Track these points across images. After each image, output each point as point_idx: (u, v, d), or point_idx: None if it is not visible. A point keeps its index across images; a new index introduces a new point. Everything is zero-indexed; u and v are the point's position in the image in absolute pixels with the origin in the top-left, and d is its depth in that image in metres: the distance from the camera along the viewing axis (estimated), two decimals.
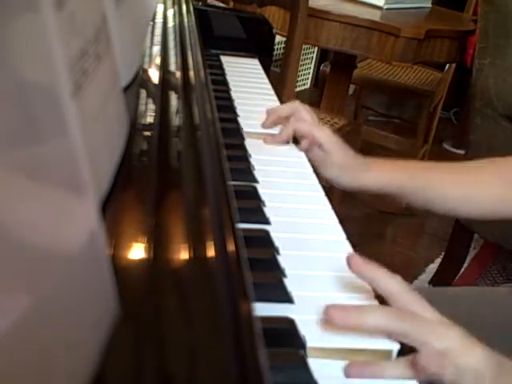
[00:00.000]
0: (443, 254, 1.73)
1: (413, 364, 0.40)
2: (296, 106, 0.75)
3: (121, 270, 0.28)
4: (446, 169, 0.75)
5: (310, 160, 0.72)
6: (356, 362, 0.40)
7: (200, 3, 1.10)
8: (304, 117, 0.73)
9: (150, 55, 0.62)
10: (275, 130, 0.75)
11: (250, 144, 0.69)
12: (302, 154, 0.72)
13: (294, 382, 0.37)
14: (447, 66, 2.34)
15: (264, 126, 0.76)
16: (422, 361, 0.40)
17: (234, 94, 0.85)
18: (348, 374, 0.39)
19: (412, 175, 0.72)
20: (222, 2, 1.75)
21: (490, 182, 0.72)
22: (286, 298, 0.44)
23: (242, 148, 0.68)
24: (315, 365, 0.38)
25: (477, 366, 0.41)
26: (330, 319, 0.41)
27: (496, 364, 0.42)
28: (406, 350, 0.41)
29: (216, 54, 1.02)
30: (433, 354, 0.40)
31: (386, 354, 0.41)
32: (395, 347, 0.41)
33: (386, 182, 0.71)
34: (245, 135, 0.72)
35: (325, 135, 0.71)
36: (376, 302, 0.45)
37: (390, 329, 0.41)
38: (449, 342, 0.41)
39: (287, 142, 0.74)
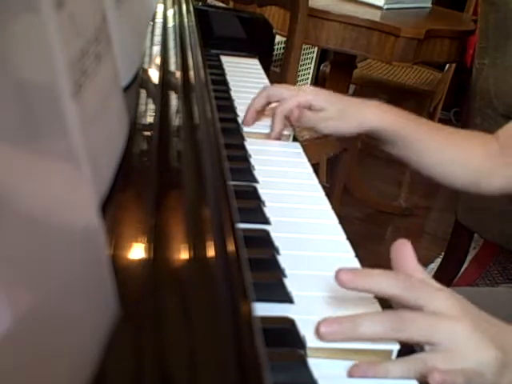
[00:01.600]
0: (443, 254, 1.73)
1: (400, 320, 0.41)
2: (267, 92, 0.74)
3: (121, 270, 0.28)
4: (438, 129, 0.76)
5: (304, 124, 0.72)
6: (360, 363, 0.40)
7: (200, 3, 1.10)
8: (280, 95, 0.73)
9: (150, 55, 0.62)
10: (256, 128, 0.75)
11: (250, 144, 0.69)
12: (302, 154, 0.72)
13: (294, 381, 0.37)
14: (447, 65, 2.34)
15: (245, 124, 0.75)
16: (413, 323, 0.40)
17: (234, 94, 0.85)
18: (351, 374, 0.39)
19: (408, 123, 0.72)
20: (222, 2, 1.75)
21: (476, 152, 0.74)
22: (286, 298, 0.44)
23: (242, 148, 0.68)
24: (315, 365, 0.38)
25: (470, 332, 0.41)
26: (338, 281, 0.41)
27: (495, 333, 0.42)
28: (406, 350, 0.41)
29: (216, 54, 1.02)
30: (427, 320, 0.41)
31: (386, 354, 0.41)
32: (395, 347, 0.41)
33: (382, 118, 0.71)
34: (245, 135, 0.72)
35: (311, 96, 0.71)
36: (376, 303, 0.45)
37: (389, 338, 0.41)
38: (450, 340, 0.41)
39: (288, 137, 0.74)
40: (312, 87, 0.73)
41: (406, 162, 0.75)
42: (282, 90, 0.74)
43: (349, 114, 0.71)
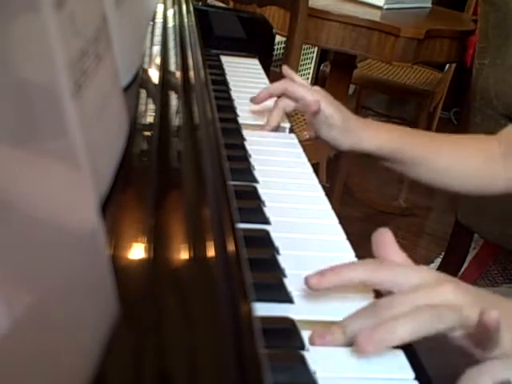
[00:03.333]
0: (443, 254, 1.73)
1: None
2: (288, 85, 0.75)
3: (121, 270, 0.28)
4: (436, 139, 0.79)
5: (311, 121, 0.73)
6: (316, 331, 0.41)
7: (200, 3, 1.10)
8: (297, 96, 0.73)
9: (150, 55, 0.62)
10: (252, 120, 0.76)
11: (250, 144, 0.69)
12: (302, 154, 0.72)
13: (294, 381, 0.37)
14: (447, 65, 2.34)
15: (254, 101, 0.76)
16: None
17: (234, 94, 0.85)
18: (311, 343, 0.40)
19: (405, 141, 0.74)
20: (222, 2, 1.75)
21: (475, 156, 0.75)
22: (286, 298, 0.44)
23: (242, 148, 0.68)
24: (315, 362, 0.38)
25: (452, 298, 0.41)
26: (308, 286, 0.42)
27: (476, 294, 0.43)
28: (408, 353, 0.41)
29: (216, 54, 1.02)
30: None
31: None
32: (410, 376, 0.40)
33: (379, 143, 0.72)
34: (242, 126, 0.72)
35: (322, 101, 0.72)
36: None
37: (365, 279, 0.43)
38: (419, 280, 0.42)
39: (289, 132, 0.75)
40: (323, 91, 0.74)
41: (406, 175, 0.78)
42: (301, 91, 0.74)
43: (348, 131, 0.73)
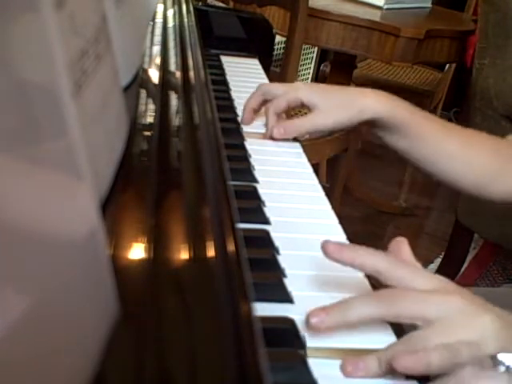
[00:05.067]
0: (443, 254, 1.73)
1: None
2: (261, 90, 0.73)
3: (121, 270, 0.28)
4: (443, 123, 0.72)
5: (299, 132, 0.71)
6: (348, 358, 0.39)
7: (200, 3, 1.10)
8: (274, 93, 0.72)
9: (150, 55, 0.62)
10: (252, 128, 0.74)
11: (250, 144, 0.69)
12: (302, 154, 0.72)
13: (294, 382, 0.37)
14: (447, 65, 2.34)
15: (244, 123, 0.74)
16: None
17: (234, 94, 0.85)
18: (343, 370, 0.39)
19: (409, 112, 0.69)
20: (222, 2, 1.75)
21: (483, 151, 0.71)
22: (286, 298, 0.44)
23: (242, 148, 0.68)
24: (315, 365, 0.38)
25: (481, 333, 0.39)
26: (325, 251, 0.42)
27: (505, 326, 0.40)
28: None
29: (216, 54, 1.02)
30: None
31: None
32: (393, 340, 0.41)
33: (385, 109, 0.67)
34: (244, 135, 0.72)
35: (302, 92, 0.69)
36: None
37: (379, 316, 0.41)
38: (444, 312, 0.40)
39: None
40: (305, 83, 0.72)
41: (406, 155, 0.71)
42: (275, 88, 0.72)
43: (348, 103, 0.68)
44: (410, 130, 0.69)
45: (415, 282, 0.42)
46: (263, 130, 0.74)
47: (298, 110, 1.33)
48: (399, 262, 0.44)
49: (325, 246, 0.42)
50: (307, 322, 0.40)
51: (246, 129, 0.74)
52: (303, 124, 0.71)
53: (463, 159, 0.70)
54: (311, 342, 0.40)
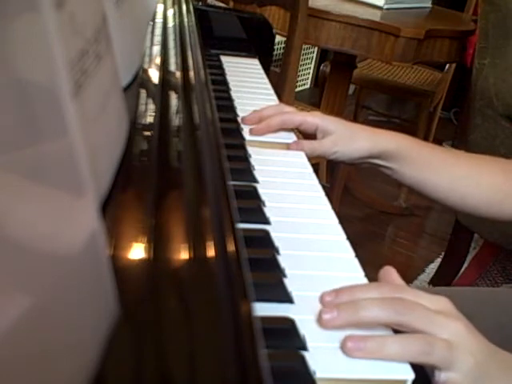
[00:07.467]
0: (443, 254, 1.73)
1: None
2: (280, 106, 0.75)
3: (121, 270, 0.28)
4: (451, 151, 0.76)
5: (312, 154, 0.71)
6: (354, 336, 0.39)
7: (200, 3, 1.10)
8: (292, 112, 0.73)
9: (150, 55, 0.62)
10: (276, 138, 0.73)
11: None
12: (302, 154, 0.71)
13: (294, 382, 0.37)
14: (447, 65, 2.35)
15: (244, 123, 0.74)
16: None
17: (234, 94, 0.85)
18: (345, 349, 0.39)
19: (421, 145, 0.71)
20: (222, 2, 1.75)
21: (493, 173, 0.71)
22: (286, 298, 0.44)
23: (242, 148, 0.67)
24: (314, 360, 0.38)
25: (478, 360, 0.41)
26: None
27: (499, 360, 0.42)
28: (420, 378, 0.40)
29: (216, 54, 1.02)
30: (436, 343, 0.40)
31: None
32: (410, 376, 0.39)
33: (398, 141, 0.70)
34: (246, 144, 0.71)
35: (318, 119, 0.71)
36: None
37: (390, 322, 0.41)
38: (448, 334, 0.41)
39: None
40: (320, 113, 0.74)
41: (416, 186, 0.72)
42: (293, 109, 0.74)
43: (360, 136, 0.70)
44: (420, 159, 0.71)
45: (434, 330, 0.41)
46: (267, 139, 0.73)
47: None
48: (399, 302, 0.42)
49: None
50: (319, 315, 0.41)
51: (248, 137, 0.72)
52: (322, 148, 0.71)
53: (474, 180, 0.71)
54: (311, 342, 0.40)
